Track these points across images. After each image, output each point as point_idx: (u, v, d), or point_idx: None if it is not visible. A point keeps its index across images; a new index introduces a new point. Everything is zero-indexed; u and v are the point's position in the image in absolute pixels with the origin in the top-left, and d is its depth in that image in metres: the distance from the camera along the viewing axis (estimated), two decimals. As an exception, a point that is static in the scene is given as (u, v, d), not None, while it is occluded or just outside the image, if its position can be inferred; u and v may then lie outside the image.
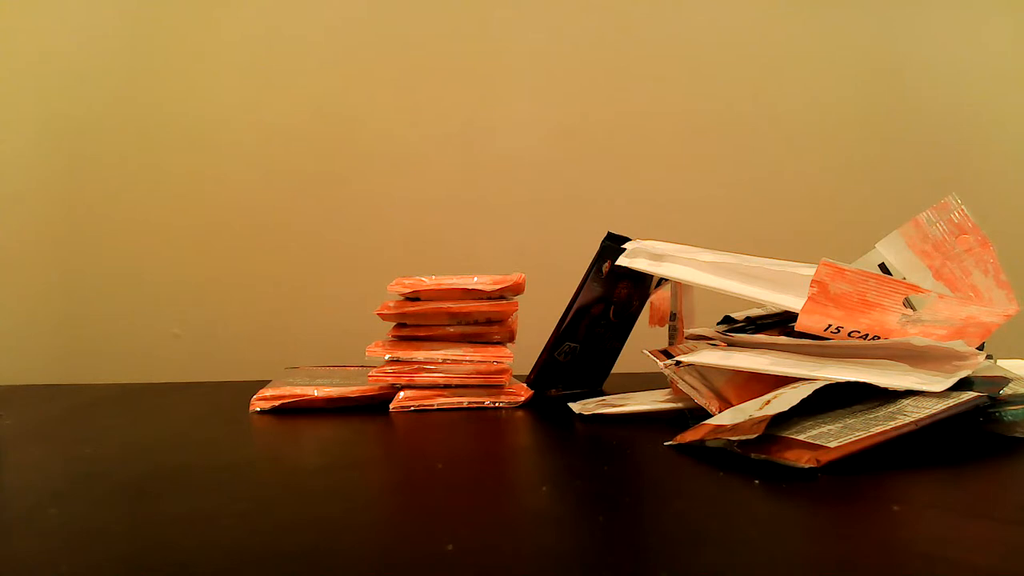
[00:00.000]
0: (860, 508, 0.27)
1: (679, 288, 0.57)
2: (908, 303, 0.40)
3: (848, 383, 0.37)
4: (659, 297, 0.60)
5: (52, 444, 0.43)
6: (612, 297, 0.57)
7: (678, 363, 0.46)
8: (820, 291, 0.40)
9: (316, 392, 0.53)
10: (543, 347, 0.57)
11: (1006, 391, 0.38)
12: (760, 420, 0.34)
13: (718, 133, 0.87)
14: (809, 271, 0.42)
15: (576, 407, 0.50)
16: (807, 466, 0.32)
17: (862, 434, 0.33)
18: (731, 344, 0.46)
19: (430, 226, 0.84)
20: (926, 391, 0.36)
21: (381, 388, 0.54)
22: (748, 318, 0.50)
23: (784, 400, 0.36)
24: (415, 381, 0.54)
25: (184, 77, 0.83)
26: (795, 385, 0.38)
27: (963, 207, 0.44)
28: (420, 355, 0.53)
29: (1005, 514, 0.26)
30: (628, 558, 0.22)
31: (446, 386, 0.54)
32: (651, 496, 0.30)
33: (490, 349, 0.54)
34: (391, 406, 0.53)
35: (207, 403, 0.58)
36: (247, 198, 0.83)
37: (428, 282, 0.53)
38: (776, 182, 0.87)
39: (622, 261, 0.52)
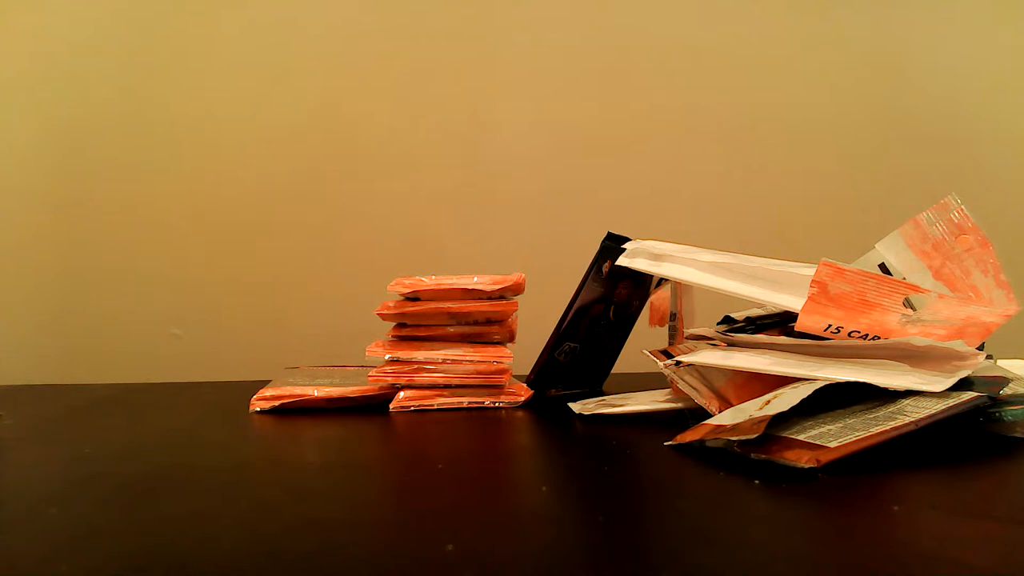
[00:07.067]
0: (860, 508, 0.27)
1: (679, 288, 0.57)
2: (908, 303, 0.40)
3: (848, 383, 0.37)
4: (659, 297, 0.60)
5: (52, 444, 0.43)
6: (612, 297, 0.57)
7: (678, 363, 0.46)
8: (820, 291, 0.40)
9: (316, 392, 0.53)
10: (543, 347, 0.57)
11: (1006, 391, 0.38)
12: (760, 420, 0.34)
13: (719, 133, 0.87)
14: (809, 271, 0.42)
15: (576, 407, 0.50)
16: (807, 466, 0.32)
17: (862, 434, 0.33)
18: (731, 344, 0.46)
19: (430, 226, 0.84)
20: (926, 391, 0.36)
21: (381, 388, 0.54)
22: (748, 318, 0.50)
23: (784, 400, 0.36)
24: (415, 381, 0.54)
25: (183, 75, 0.83)
26: (795, 385, 0.38)
27: (963, 207, 0.44)
28: (420, 355, 0.53)
29: (1005, 514, 0.26)
30: (628, 558, 0.22)
31: (446, 386, 0.54)
32: (651, 496, 0.30)
33: (490, 349, 0.54)
34: (391, 406, 0.53)
35: (207, 403, 0.57)
36: (247, 198, 0.83)
37: (428, 282, 0.53)
38: (776, 182, 0.87)
39: (622, 261, 0.52)
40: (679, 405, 0.48)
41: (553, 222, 0.85)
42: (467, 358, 0.54)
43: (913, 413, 0.34)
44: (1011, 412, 0.37)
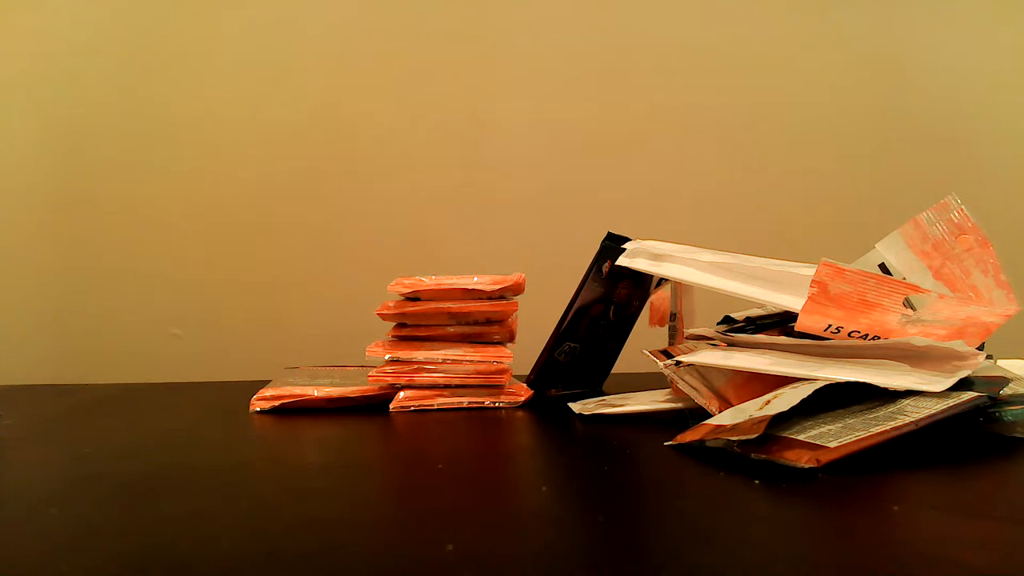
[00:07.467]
0: (860, 508, 0.27)
1: (679, 288, 0.57)
2: (908, 303, 0.40)
3: (848, 383, 0.37)
4: (659, 297, 0.60)
5: (52, 444, 0.43)
6: (612, 297, 0.57)
7: (678, 363, 0.46)
8: (820, 291, 0.40)
9: (316, 392, 0.53)
10: (543, 347, 0.57)
11: (1006, 391, 0.38)
12: (760, 420, 0.34)
13: (719, 133, 0.87)
14: (809, 271, 0.42)
15: (576, 407, 0.50)
16: (807, 466, 0.32)
17: (862, 434, 0.33)
18: (731, 344, 0.46)
19: (430, 226, 0.84)
20: (926, 391, 0.36)
21: (381, 388, 0.54)
22: (748, 318, 0.50)
23: (784, 400, 0.36)
24: (415, 381, 0.54)
25: (183, 75, 0.83)
26: (795, 385, 0.38)
27: (963, 207, 0.44)
28: (420, 355, 0.53)
29: (1005, 514, 0.26)
30: (628, 558, 0.22)
31: (446, 386, 0.54)
32: (651, 496, 0.30)
33: (490, 349, 0.54)
34: (391, 406, 0.53)
35: (207, 403, 0.57)
36: (247, 198, 0.83)
37: (428, 282, 0.53)
38: (776, 182, 0.87)
39: (622, 261, 0.52)
40: (679, 405, 0.48)
41: (553, 222, 0.85)
42: (467, 358, 0.54)
43: (913, 413, 0.34)
44: (1011, 412, 0.37)
